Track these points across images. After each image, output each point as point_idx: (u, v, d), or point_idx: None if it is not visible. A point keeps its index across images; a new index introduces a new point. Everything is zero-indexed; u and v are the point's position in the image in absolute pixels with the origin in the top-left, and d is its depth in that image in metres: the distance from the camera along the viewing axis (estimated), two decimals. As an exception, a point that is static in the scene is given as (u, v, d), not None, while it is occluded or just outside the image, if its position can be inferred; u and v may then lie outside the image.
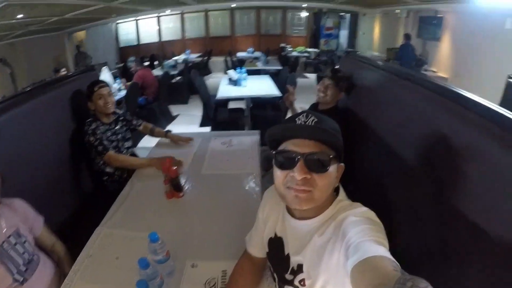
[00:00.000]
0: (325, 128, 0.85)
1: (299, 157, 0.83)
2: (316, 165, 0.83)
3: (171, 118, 5.97)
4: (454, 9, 6.01)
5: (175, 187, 1.80)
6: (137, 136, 3.15)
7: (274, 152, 0.90)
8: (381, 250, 0.68)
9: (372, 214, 0.84)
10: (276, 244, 1.04)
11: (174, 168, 1.78)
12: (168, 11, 11.17)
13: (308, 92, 6.48)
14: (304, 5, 11.33)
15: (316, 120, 0.86)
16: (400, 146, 1.51)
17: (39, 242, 1.43)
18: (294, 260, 0.96)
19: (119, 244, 1.45)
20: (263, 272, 1.24)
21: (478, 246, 0.93)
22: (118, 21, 10.99)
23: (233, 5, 11.33)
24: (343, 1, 9.04)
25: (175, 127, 5.40)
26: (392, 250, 0.70)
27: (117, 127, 2.39)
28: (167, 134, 2.61)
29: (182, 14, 12.09)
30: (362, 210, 0.85)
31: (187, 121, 5.89)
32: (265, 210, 1.12)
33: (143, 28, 12.10)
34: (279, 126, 0.90)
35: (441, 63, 6.60)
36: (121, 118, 2.47)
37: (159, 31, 12.33)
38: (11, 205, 1.34)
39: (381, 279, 0.59)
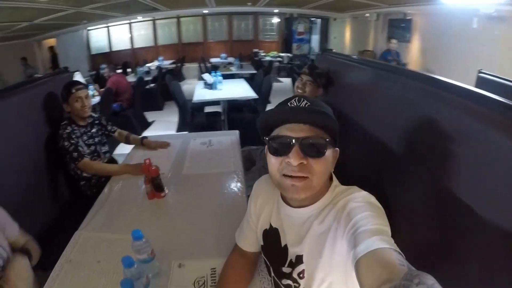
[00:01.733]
0: (320, 109, 0.82)
1: (293, 141, 0.80)
2: (312, 150, 0.80)
3: (146, 125, 5.89)
4: (422, 11, 6.20)
5: (156, 187, 1.73)
6: (113, 143, 3.05)
7: (267, 138, 0.86)
8: (386, 241, 0.66)
9: (372, 198, 0.82)
10: (271, 236, 1.00)
11: (154, 167, 1.72)
12: (139, 18, 10.97)
13: (283, 95, 6.49)
14: (276, 10, 11.42)
15: (308, 104, 0.83)
16: (388, 137, 1.49)
17: (13, 246, 1.33)
18: (292, 252, 0.92)
19: (100, 248, 1.36)
20: (256, 267, 1.20)
21: (473, 229, 0.92)
22: (89, 28, 10.69)
23: (205, 11, 11.28)
24: (314, 6, 9.16)
25: (151, 133, 5.31)
26: None
27: (93, 130, 2.30)
28: (143, 141, 2.48)
29: (154, 20, 11.86)
30: (362, 194, 0.83)
31: (163, 127, 5.80)
32: (258, 201, 1.07)
33: (115, 35, 11.78)
34: (271, 110, 0.87)
35: (412, 64, 6.76)
36: (97, 122, 2.38)
37: (131, 38, 12.05)
38: None
39: (388, 274, 0.58)
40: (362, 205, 0.78)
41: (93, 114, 2.36)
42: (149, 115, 6.24)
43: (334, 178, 0.94)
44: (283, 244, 0.95)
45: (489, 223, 0.85)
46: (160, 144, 2.48)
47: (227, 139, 2.61)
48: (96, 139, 2.31)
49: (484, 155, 0.89)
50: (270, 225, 1.01)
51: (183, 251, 1.33)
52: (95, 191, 2.11)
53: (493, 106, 0.92)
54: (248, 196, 1.80)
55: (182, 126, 5.03)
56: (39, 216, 1.88)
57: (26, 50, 8.85)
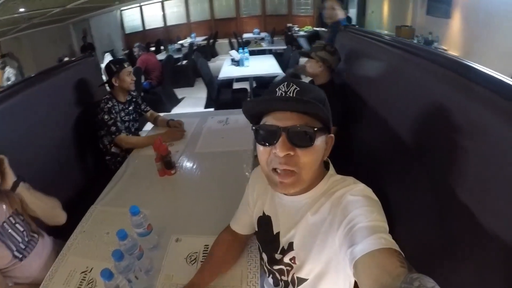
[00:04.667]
0: (306, 99, 0.76)
1: (280, 131, 0.76)
2: (300, 139, 0.76)
3: (176, 101, 6.01)
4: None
5: (166, 165, 1.84)
6: (142, 121, 3.24)
7: (254, 127, 0.83)
8: (385, 240, 0.65)
9: (369, 191, 0.80)
10: (264, 223, 1.01)
11: (165, 145, 1.83)
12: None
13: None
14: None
15: (298, 89, 0.79)
16: (398, 124, 1.43)
17: None
18: (284, 240, 0.93)
19: (111, 220, 1.51)
20: (244, 248, 1.24)
21: (472, 236, 0.89)
22: (122, 8, 10.98)
23: (238, -15, 11.13)
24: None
25: (181, 110, 5.49)
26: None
27: (130, 108, 2.45)
28: (169, 123, 2.54)
29: (185, -3, 11.95)
30: (359, 187, 0.81)
31: (192, 104, 5.92)
32: (255, 189, 1.08)
33: (148, 14, 12.03)
34: (255, 100, 0.82)
35: (452, 41, 6.26)
36: (134, 100, 2.52)
37: (164, 16, 12.23)
38: None
39: (388, 277, 0.57)
40: (359, 199, 0.76)
41: (132, 92, 2.50)
42: (180, 92, 6.35)
43: (331, 167, 0.93)
44: (275, 232, 0.96)
45: (488, 228, 0.82)
46: (174, 124, 2.52)
47: (245, 117, 2.63)
48: (131, 116, 2.47)
49: (496, 153, 0.82)
50: (263, 213, 1.02)
51: (182, 227, 1.43)
52: (119, 166, 2.25)
53: None
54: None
55: (209, 103, 5.07)
56: (67, 190, 2.04)
57: (62, 33, 9.30)
